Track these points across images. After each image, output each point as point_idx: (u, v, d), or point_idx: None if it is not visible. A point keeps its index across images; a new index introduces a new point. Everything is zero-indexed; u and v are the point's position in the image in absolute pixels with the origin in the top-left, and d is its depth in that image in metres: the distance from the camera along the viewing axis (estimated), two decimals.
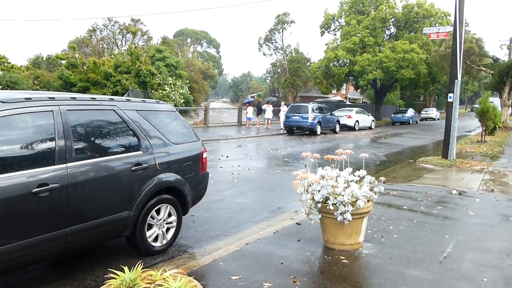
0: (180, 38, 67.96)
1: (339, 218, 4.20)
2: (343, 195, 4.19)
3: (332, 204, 4.20)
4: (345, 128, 26.08)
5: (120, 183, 4.15)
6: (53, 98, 3.85)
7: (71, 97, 4.01)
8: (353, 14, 37.70)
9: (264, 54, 52.17)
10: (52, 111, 3.72)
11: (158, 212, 4.66)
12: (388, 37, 38.93)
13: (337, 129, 23.93)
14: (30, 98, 3.64)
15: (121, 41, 40.08)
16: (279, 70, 52.46)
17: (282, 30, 50.47)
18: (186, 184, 4.92)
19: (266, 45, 52.59)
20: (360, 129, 26.76)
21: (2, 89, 32.93)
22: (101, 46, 39.17)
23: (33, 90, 37.88)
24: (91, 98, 4.26)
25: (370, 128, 27.95)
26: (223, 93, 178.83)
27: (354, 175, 4.48)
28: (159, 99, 26.33)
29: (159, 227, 4.68)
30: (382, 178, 4.89)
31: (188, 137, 5.29)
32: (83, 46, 39.95)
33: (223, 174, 9.74)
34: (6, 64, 46.14)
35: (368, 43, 36.03)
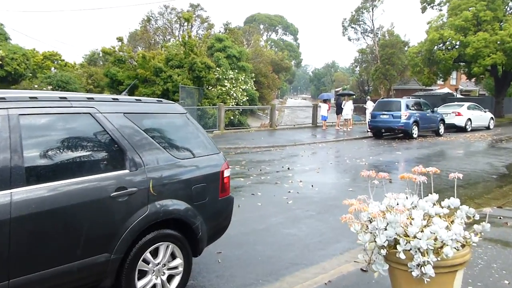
0: (251, 25, 69.53)
1: (415, 272, 3.45)
2: (419, 238, 3.43)
3: (404, 250, 3.48)
4: (453, 128, 24.97)
5: (94, 215, 3.68)
6: (3, 98, 3.50)
7: (30, 97, 3.62)
8: None
9: (350, 39, 51.54)
10: None
11: (155, 253, 4.19)
12: None
13: (441, 130, 22.90)
14: None
15: (178, 30, 41.31)
16: (368, 58, 51.76)
17: (372, 8, 49.64)
18: (198, 214, 4.42)
19: (352, 27, 52.01)
20: (474, 129, 25.56)
21: (53, 89, 35.90)
22: (155, 38, 40.51)
23: (86, 89, 41.36)
24: (60, 97, 3.85)
25: (487, 128, 26.56)
26: (302, 88, 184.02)
27: (441, 206, 3.68)
28: (217, 97, 26.94)
29: (157, 274, 4.17)
30: (488, 210, 3.99)
31: (203, 148, 4.88)
32: (136, 39, 41.36)
33: (276, 192, 9.29)
34: (59, 61, 50.27)
35: (484, 19, 33.75)
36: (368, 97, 28.56)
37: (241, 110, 29.19)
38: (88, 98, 4.08)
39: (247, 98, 30.25)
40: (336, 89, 79.78)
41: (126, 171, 3.93)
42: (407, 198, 3.88)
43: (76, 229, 3.62)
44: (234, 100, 28.33)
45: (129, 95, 4.82)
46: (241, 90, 29.33)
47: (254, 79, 34.16)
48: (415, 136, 20.93)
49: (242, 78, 30.31)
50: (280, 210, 7.85)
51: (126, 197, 3.84)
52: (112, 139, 3.96)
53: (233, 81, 29.25)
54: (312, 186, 9.84)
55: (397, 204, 3.78)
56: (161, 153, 4.28)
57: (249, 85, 31.12)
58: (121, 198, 3.81)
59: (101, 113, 3.98)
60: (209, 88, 27.65)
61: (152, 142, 4.26)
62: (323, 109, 26.29)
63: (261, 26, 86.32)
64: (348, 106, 25.57)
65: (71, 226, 3.59)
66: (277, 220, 7.21)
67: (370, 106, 24.75)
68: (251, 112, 35.05)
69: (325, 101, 27.09)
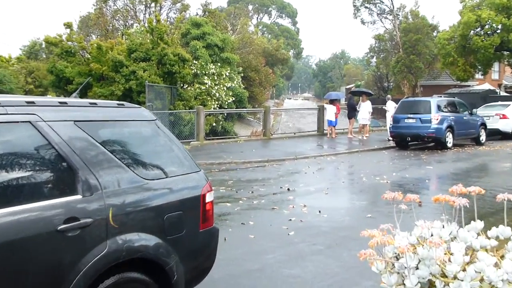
0: (237, 5, 70.20)
1: None
2: (461, 279, 3.38)
3: None
4: (497, 135, 25.16)
5: (34, 256, 3.57)
6: None
7: None
8: None
9: (363, 22, 51.49)
10: None
11: None
12: None
13: (482, 137, 23.13)
14: None
15: (144, 13, 41.23)
16: (387, 46, 52.27)
17: None
18: (172, 251, 4.38)
19: (366, 7, 52.03)
20: None
21: None
22: (114, 23, 40.37)
23: (24, 90, 40.15)
24: None
25: None
26: (304, 85, 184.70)
27: (487, 236, 3.63)
28: (194, 98, 26.86)
29: None
30: None
31: (178, 165, 4.91)
32: (90, 25, 41.27)
33: (273, 220, 9.32)
34: None
35: None
36: (389, 96, 28.42)
37: (225, 114, 29.11)
38: (27, 102, 4.00)
39: (234, 99, 30.19)
40: (348, 86, 79.92)
41: (78, 196, 3.85)
42: (443, 226, 3.83)
43: (8, 275, 3.45)
44: (216, 102, 28.43)
45: (80, 97, 4.80)
46: (225, 89, 29.37)
47: (242, 75, 33.99)
48: (449, 145, 20.98)
49: (227, 74, 30.24)
50: (279, 244, 7.81)
51: (78, 230, 3.75)
52: (59, 154, 3.88)
53: (215, 78, 29.32)
54: (319, 212, 9.81)
55: (432, 235, 3.73)
56: (124, 173, 4.24)
57: (235, 82, 31.01)
58: (72, 233, 3.72)
59: (45, 121, 3.92)
60: (184, 87, 27.70)
61: (112, 158, 4.20)
62: (330, 112, 26.30)
63: (250, 7, 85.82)
64: (364, 108, 25.50)
65: (2, 271, 3.44)
66: (275, 258, 7.17)
67: (391, 107, 24.82)
68: (239, 117, 34.73)
69: (332, 101, 27.02)
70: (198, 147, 21.65)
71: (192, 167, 5.01)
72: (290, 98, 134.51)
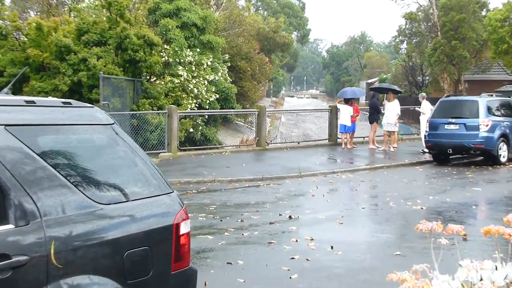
0: None
1: None
2: None
3: None
4: None
5: None
6: None
7: None
8: None
9: None
10: None
11: None
12: None
13: None
14: None
15: None
16: (421, 28, 52.94)
17: None
18: None
19: None
20: None
21: None
22: None
23: None
24: None
25: None
26: (311, 78, 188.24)
27: None
28: (165, 96, 26.74)
29: None
30: None
31: (143, 184, 4.94)
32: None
33: (271, 259, 9.27)
34: None
35: None
36: (423, 94, 28.31)
37: (207, 117, 29.34)
38: None
39: (217, 96, 30.27)
40: (369, 81, 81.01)
41: (9, 226, 3.79)
42: (496, 268, 3.79)
43: None
44: (195, 101, 28.56)
45: (14, 93, 4.75)
46: (206, 83, 29.46)
47: (229, 64, 34.30)
48: (503, 160, 21.10)
49: (209, 63, 30.49)
50: None
51: (9, 272, 3.67)
52: None
53: (193, 68, 29.49)
54: (331, 248, 9.79)
55: (481, 280, 3.69)
56: (70, 194, 4.19)
57: (220, 74, 31.25)
58: (0, 275, 3.67)
59: None
60: (152, 80, 27.93)
61: (55, 175, 4.16)
62: (345, 114, 26.68)
63: None
64: (391, 110, 25.76)
65: None
66: None
67: (426, 109, 25.07)
68: (224, 120, 34.35)
69: (349, 101, 27.27)
70: (170, 161, 21.74)
71: (162, 188, 5.01)
72: (293, 96, 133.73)
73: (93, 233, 4.24)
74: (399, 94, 28.30)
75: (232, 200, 14.81)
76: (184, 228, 4.91)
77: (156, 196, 4.91)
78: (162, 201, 4.92)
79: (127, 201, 4.62)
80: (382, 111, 26.64)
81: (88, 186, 4.38)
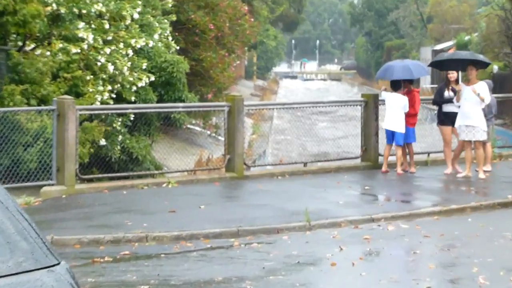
0: None
1: None
2: None
3: None
4: None
5: None
6: None
7: None
8: None
9: None
10: None
11: None
12: None
13: None
14: None
15: None
16: None
17: None
18: None
19: None
20: None
21: None
22: None
23: None
24: None
25: None
26: (330, 42, 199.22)
27: None
28: (53, 77, 26.03)
29: None
30: None
31: (1, 252, 4.44)
32: None
33: None
34: None
35: None
36: None
37: (132, 117, 26.96)
38: None
39: (153, 78, 28.19)
40: (438, 46, 78.42)
41: None
42: None
43: None
44: (109, 87, 25.99)
45: None
46: (131, 53, 27.15)
47: (175, 18, 33.41)
48: None
49: (136, 15, 28.91)
50: None
51: None
52: None
53: (106, 25, 27.93)
54: None
55: None
56: None
57: (158, 36, 29.96)
58: None
59: None
60: (29, 50, 26.57)
61: None
62: (394, 111, 25.96)
63: None
64: (476, 100, 24.52)
65: None
66: None
67: None
68: (166, 123, 32.80)
69: (399, 85, 26.63)
70: (61, 201, 20.56)
71: (39, 256, 4.56)
72: (295, 77, 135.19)
73: None
74: (490, 72, 28.48)
75: (181, 276, 13.73)
76: None
77: (26, 272, 4.45)
78: (37, 283, 4.63)
79: None
80: (457, 103, 25.69)
81: None
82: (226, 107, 26.07)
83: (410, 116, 25.59)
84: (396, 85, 25.78)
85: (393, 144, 26.06)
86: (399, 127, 25.12)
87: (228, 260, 14.99)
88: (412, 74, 28.58)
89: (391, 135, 25.69)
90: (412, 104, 25.41)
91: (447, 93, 25.89)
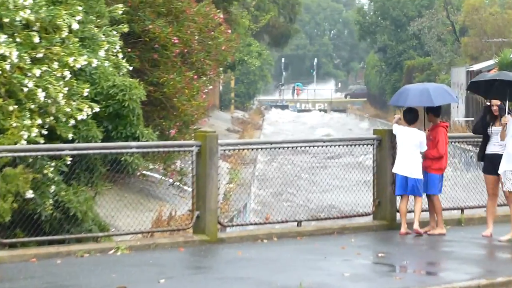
0: None
1: None
2: None
3: None
4: None
5: None
6: None
7: None
8: None
9: None
10: None
11: None
12: None
13: None
14: None
15: None
16: None
17: None
18: None
19: None
20: None
21: None
22: None
23: None
24: None
25: None
26: (332, 60, 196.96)
27: None
28: None
29: None
30: None
31: None
32: None
33: None
34: None
35: None
36: None
37: (69, 160, 26.40)
38: None
39: (97, 108, 28.37)
40: (474, 67, 74.93)
41: None
42: None
43: None
44: (38, 120, 25.58)
45: None
46: (69, 75, 27.79)
47: (127, 29, 34.11)
48: None
49: (75, 26, 29.24)
50: None
51: None
52: None
53: (36, 38, 28.31)
54: None
55: None
56: None
57: (104, 52, 29.99)
58: None
59: None
60: None
61: None
62: (411, 150, 26.02)
63: None
64: None
65: None
66: None
67: None
68: (114, 169, 32.33)
69: (415, 116, 27.34)
70: None
71: None
72: (286, 106, 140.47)
73: None
74: None
75: None
76: None
77: None
78: None
79: None
80: (502, 141, 25.32)
81: None
82: (194, 147, 26.42)
83: (434, 160, 25.67)
84: (410, 116, 25.95)
85: (413, 194, 26.07)
86: (415, 172, 25.14)
87: None
88: (432, 101, 28.69)
89: (404, 183, 25.68)
90: (435, 143, 25.28)
91: (490, 128, 25.01)
